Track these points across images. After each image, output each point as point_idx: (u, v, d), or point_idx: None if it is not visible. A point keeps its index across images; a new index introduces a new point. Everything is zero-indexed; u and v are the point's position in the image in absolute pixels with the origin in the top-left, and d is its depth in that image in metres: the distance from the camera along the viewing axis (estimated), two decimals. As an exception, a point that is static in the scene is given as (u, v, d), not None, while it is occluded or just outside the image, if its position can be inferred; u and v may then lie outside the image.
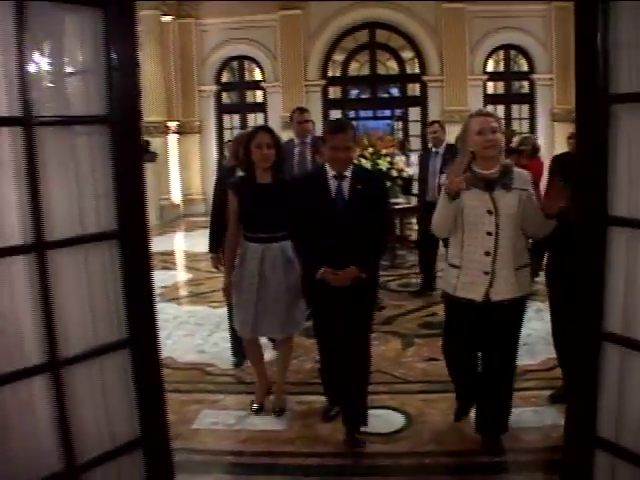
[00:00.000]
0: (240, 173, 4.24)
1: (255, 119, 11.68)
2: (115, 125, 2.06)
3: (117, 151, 2.05)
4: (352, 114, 11.82)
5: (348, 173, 3.63)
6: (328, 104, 11.90)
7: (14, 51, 1.84)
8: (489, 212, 3.11)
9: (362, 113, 12.22)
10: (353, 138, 3.66)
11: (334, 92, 12.11)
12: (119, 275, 2.13)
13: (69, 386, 2.07)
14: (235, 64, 12.20)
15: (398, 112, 12.11)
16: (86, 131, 2.05)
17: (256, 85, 12.06)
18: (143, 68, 8.18)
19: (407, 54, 11.86)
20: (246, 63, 12.19)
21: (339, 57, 12.05)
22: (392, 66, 12.00)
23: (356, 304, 3.48)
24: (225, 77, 12.29)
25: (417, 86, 11.87)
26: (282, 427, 3.56)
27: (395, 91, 12.41)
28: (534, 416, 3.53)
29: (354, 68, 12.15)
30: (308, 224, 3.66)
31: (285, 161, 4.47)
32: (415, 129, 11.78)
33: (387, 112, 12.27)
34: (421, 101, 11.78)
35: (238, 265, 3.92)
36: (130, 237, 2.13)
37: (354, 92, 12.59)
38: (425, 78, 11.57)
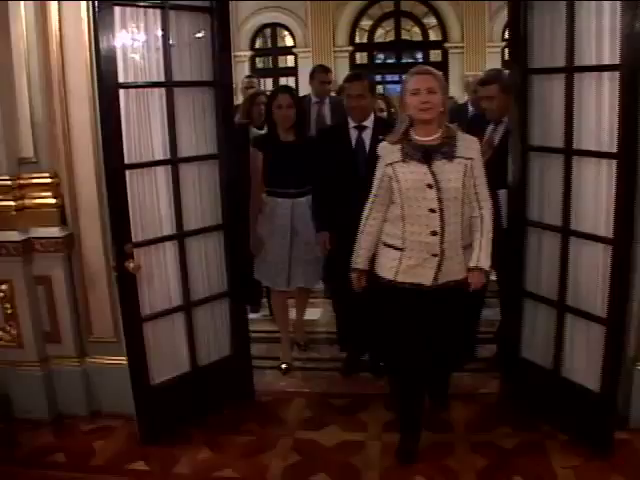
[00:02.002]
0: (255, 131, 4.58)
1: (287, 82, 12.93)
2: (218, 87, 3.44)
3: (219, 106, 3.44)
4: (378, 78, 12.97)
5: (369, 124, 3.81)
6: (355, 69, 13.08)
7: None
8: (429, 186, 2.92)
9: (388, 77, 13.37)
10: (368, 88, 3.80)
11: (361, 58, 13.28)
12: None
13: (188, 253, 3.47)
14: (268, 31, 13.40)
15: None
16: (200, 90, 3.42)
17: (288, 51, 13.26)
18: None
19: (430, 21, 12.94)
20: (278, 30, 13.39)
21: (366, 24, 13.16)
22: (416, 33, 13.10)
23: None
24: (257, 43, 13.51)
25: (439, 52, 12.96)
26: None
27: (419, 57, 13.52)
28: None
29: (380, 35, 13.28)
30: (329, 177, 3.83)
31: None
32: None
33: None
34: (443, 66, 12.87)
35: (266, 221, 4.19)
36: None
37: (380, 57, 13.73)
38: (447, 45, 12.68)
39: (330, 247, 3.96)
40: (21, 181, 3.60)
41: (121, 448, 3.55)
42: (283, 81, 13.18)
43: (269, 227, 4.17)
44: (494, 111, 3.94)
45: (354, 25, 13.03)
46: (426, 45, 13.16)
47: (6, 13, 3.46)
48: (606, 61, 2.97)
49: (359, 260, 3.21)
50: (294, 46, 13.13)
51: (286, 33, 13.37)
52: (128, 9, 3.16)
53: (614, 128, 2.96)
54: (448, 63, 12.75)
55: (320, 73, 5.92)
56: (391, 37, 13.27)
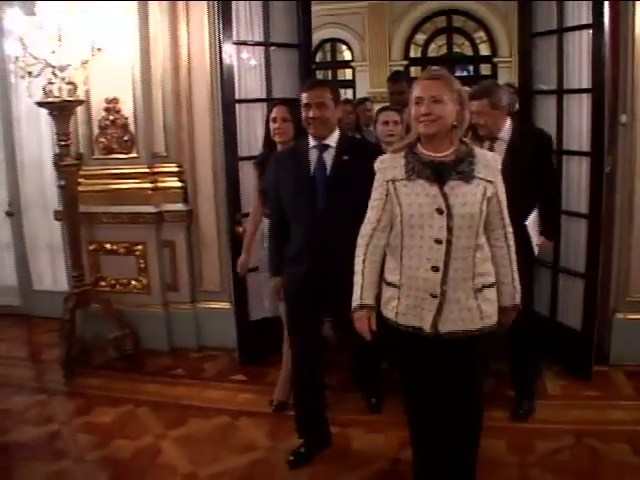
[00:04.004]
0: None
1: (345, 94, 14.32)
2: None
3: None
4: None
5: (332, 142, 3.30)
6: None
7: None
8: (439, 211, 2.52)
9: (440, 90, 14.59)
10: (332, 98, 3.30)
11: (415, 71, 14.55)
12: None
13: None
14: (328, 46, 14.84)
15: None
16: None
17: (346, 64, 14.65)
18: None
19: (480, 36, 14.17)
20: (337, 45, 14.82)
21: (420, 39, 14.44)
22: (467, 48, 14.34)
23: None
24: (318, 57, 14.95)
25: (488, 66, 14.19)
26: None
27: (470, 70, 14.75)
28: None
29: (433, 49, 14.52)
30: (283, 208, 3.41)
31: None
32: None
33: (465, 88, 14.61)
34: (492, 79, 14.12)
35: (263, 243, 4.15)
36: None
37: (433, 71, 14.99)
38: (495, 59, 13.89)
39: (282, 297, 3.66)
40: (155, 169, 5.13)
41: (224, 367, 4.98)
42: (341, 93, 14.59)
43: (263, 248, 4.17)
44: (483, 127, 3.86)
45: (409, 40, 14.28)
46: (476, 59, 14.38)
47: (147, 47, 4.95)
48: (585, 85, 4.26)
49: (365, 295, 2.76)
50: (352, 60, 14.48)
51: (344, 47, 14.76)
52: (242, 45, 4.62)
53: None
54: (497, 76, 13.94)
55: (360, 105, 6.19)
56: (443, 51, 14.51)
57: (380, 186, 2.71)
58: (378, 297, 2.83)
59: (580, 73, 4.31)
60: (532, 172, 3.80)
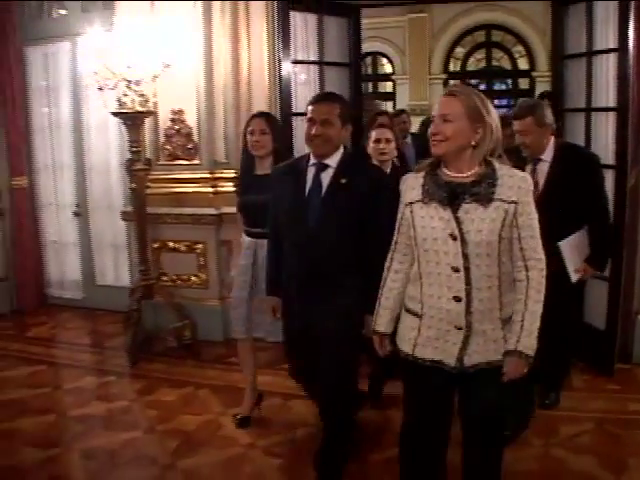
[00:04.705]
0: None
1: (385, 106, 14.81)
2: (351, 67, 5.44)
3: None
4: (471, 104, 14.66)
5: (332, 162, 3.15)
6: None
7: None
8: (452, 237, 2.40)
9: (480, 103, 15.01)
10: (340, 114, 3.14)
11: (446, 88, 15.02)
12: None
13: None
14: (369, 59, 15.37)
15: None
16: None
17: (387, 77, 15.16)
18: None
19: (519, 50, 14.56)
20: (378, 58, 15.34)
21: (459, 53, 14.89)
22: (505, 62, 14.76)
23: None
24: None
25: (527, 80, 14.57)
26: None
27: (508, 84, 15.15)
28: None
29: (472, 63, 14.97)
30: (279, 227, 3.36)
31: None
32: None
33: (503, 101, 15.05)
34: (530, 94, 14.47)
35: (239, 259, 4.15)
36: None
37: (472, 84, 15.44)
38: (534, 74, 14.28)
39: (279, 316, 3.57)
40: (216, 175, 5.69)
41: (274, 356, 5.43)
42: (384, 105, 15.11)
43: (238, 267, 4.13)
44: (529, 147, 3.75)
45: (448, 54, 14.74)
46: (515, 73, 14.78)
47: (211, 63, 5.51)
48: (611, 104, 4.71)
49: (379, 322, 2.77)
50: (393, 73, 14.99)
51: (385, 61, 15.29)
52: (299, 64, 5.17)
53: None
54: (535, 90, 14.32)
55: (395, 117, 6.42)
56: (482, 65, 14.94)
57: (401, 207, 2.64)
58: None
59: (607, 93, 4.76)
60: (577, 195, 3.65)
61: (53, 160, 6.90)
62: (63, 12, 6.56)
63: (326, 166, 3.14)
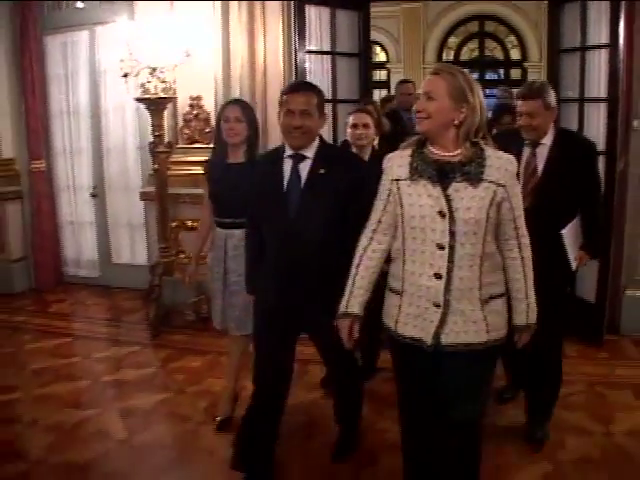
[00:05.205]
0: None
1: (380, 94, 15.20)
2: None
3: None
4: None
5: (310, 153, 3.09)
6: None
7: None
8: (441, 214, 2.43)
9: (472, 92, 15.43)
10: (317, 105, 3.08)
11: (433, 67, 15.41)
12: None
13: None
14: (363, 47, 15.76)
15: (502, 91, 15.28)
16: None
17: (381, 66, 15.55)
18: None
19: (511, 41, 14.99)
20: (373, 47, 15.71)
21: (453, 43, 15.26)
22: (498, 52, 15.19)
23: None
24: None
25: (519, 70, 15.01)
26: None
27: (500, 74, 15.57)
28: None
29: (465, 53, 15.36)
30: (257, 220, 3.29)
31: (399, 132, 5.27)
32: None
33: (495, 92, 15.47)
34: (522, 83, 14.88)
35: (210, 250, 4.17)
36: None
37: (465, 73, 15.84)
38: (525, 64, 14.72)
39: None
40: None
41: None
42: (376, 93, 15.47)
43: (211, 258, 4.15)
44: (534, 130, 3.63)
45: (442, 43, 15.12)
46: (507, 64, 15.22)
47: (228, 52, 5.93)
48: (602, 95, 5.18)
49: (352, 302, 2.69)
50: (387, 61, 15.38)
51: (379, 49, 15.66)
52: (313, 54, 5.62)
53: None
54: (527, 80, 14.76)
55: (399, 85, 7.11)
56: (475, 55, 15.35)
57: (383, 185, 2.64)
58: (370, 304, 2.75)
59: (599, 85, 5.23)
60: (575, 181, 3.62)
61: (71, 144, 7.29)
62: (80, 5, 6.89)
63: (304, 157, 3.10)
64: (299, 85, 3.29)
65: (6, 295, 7.12)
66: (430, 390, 2.67)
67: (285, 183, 3.08)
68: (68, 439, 4.15)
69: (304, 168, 3.07)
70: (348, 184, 3.01)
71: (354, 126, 4.20)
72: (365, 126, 4.17)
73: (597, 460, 3.76)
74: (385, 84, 15.34)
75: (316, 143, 3.12)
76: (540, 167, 3.66)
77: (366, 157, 4.14)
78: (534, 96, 3.59)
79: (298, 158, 3.08)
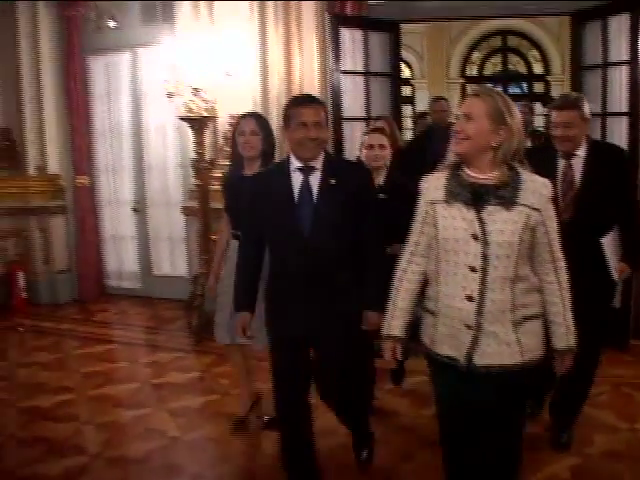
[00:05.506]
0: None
1: (404, 110, 15.49)
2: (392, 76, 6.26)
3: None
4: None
5: (318, 164, 3.11)
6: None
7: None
8: (474, 237, 2.45)
9: (496, 107, 15.66)
10: (325, 117, 3.14)
11: (471, 89, 15.64)
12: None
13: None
14: (388, 64, 16.06)
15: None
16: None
17: (406, 82, 15.82)
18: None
19: (534, 55, 15.20)
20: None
21: (476, 58, 15.49)
22: (521, 66, 15.41)
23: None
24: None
25: (542, 84, 15.22)
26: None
27: (523, 87, 15.80)
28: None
29: (488, 67, 15.60)
30: (258, 238, 3.28)
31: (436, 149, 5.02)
32: (538, 120, 15.20)
33: (518, 106, 15.65)
34: (545, 97, 15.13)
35: (224, 261, 4.13)
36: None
37: (488, 88, 16.08)
38: (548, 78, 14.94)
39: (248, 334, 3.36)
40: None
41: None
42: (403, 108, 15.73)
43: (224, 271, 4.13)
44: (570, 141, 3.60)
45: (465, 59, 15.37)
46: (530, 77, 15.45)
47: (266, 72, 6.27)
48: (624, 109, 5.46)
49: (394, 324, 2.74)
50: (411, 77, 15.64)
51: (403, 66, 15.92)
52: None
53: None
54: (550, 94, 14.97)
55: (433, 102, 7.09)
56: (499, 69, 15.54)
57: (420, 207, 2.68)
58: (412, 325, 2.77)
59: (620, 99, 5.51)
60: (611, 191, 3.61)
61: (113, 161, 7.73)
62: (112, 25, 7.29)
63: (312, 168, 3.11)
64: (309, 98, 3.24)
65: (51, 305, 7.55)
66: (467, 409, 2.67)
67: (295, 196, 3.09)
68: (122, 436, 4.50)
69: (314, 180, 3.09)
70: (355, 192, 3.07)
71: (370, 147, 4.15)
72: (381, 147, 4.14)
73: (623, 454, 4.01)
74: (410, 99, 15.63)
75: (322, 154, 3.15)
76: (577, 178, 3.65)
77: (381, 178, 4.14)
78: (571, 107, 3.59)
79: (307, 170, 3.09)
